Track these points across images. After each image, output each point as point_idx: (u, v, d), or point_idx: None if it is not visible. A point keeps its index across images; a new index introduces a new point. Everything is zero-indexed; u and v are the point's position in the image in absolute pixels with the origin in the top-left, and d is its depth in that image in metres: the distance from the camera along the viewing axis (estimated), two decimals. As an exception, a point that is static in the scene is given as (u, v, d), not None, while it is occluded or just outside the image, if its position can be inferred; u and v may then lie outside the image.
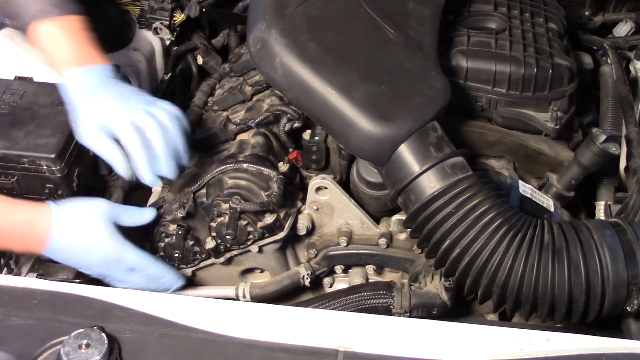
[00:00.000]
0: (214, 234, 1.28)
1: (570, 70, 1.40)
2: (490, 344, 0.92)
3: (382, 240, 1.32)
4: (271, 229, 1.30)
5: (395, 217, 1.33)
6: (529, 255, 1.06)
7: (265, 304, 0.99)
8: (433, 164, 1.10)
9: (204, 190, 1.30)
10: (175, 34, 1.84)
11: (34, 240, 1.12)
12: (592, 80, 1.72)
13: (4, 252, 1.25)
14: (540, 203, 1.32)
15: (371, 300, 1.26)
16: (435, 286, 1.26)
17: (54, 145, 1.20)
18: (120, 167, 1.14)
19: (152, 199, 1.44)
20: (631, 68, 1.75)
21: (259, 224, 1.28)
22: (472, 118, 1.41)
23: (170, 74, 1.81)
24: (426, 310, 1.25)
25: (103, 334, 0.87)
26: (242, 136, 1.43)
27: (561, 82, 1.39)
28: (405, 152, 1.12)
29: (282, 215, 1.30)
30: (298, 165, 1.41)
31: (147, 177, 1.15)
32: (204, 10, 1.74)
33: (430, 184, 1.10)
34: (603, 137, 1.33)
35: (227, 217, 1.25)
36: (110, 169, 1.40)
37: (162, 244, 1.30)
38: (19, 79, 1.37)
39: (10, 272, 1.29)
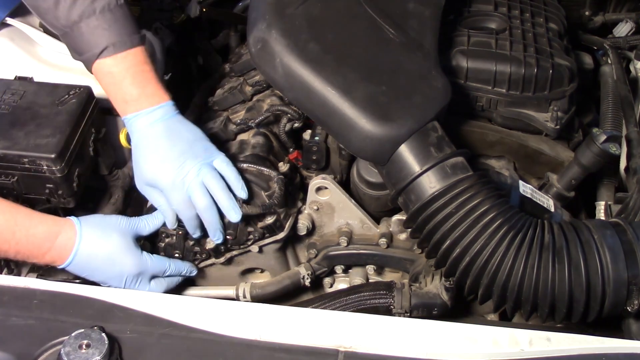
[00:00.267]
0: (214, 234, 1.28)
1: (571, 70, 1.40)
2: (491, 344, 0.92)
3: (383, 240, 1.32)
4: (271, 229, 1.30)
5: (396, 217, 1.33)
6: (530, 255, 1.06)
7: (265, 304, 0.99)
8: (433, 164, 1.10)
9: (204, 190, 1.30)
10: (175, 34, 1.84)
11: (53, 256, 1.14)
12: (592, 80, 1.72)
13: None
14: (541, 203, 1.32)
15: (371, 300, 1.26)
16: (435, 286, 1.26)
17: (54, 145, 1.20)
18: (169, 222, 1.24)
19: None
20: (631, 68, 1.75)
21: (259, 224, 1.28)
22: (473, 118, 1.41)
23: (170, 74, 1.80)
24: (426, 310, 1.25)
25: (103, 334, 0.87)
26: (242, 136, 1.43)
27: (561, 82, 1.39)
28: (405, 152, 1.12)
29: (282, 215, 1.30)
30: (298, 165, 1.41)
31: (216, 237, 1.24)
32: (204, 10, 1.74)
33: (430, 184, 1.10)
34: (603, 137, 1.33)
35: (227, 217, 1.25)
36: (110, 169, 1.41)
37: (162, 244, 1.30)
38: (19, 79, 1.37)
39: (10, 272, 1.29)
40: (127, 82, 1.19)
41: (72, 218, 1.17)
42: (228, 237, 1.26)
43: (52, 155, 1.19)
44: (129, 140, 1.26)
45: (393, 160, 1.13)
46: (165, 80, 1.77)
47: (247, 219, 1.26)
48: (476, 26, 1.48)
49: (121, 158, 1.47)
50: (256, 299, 1.34)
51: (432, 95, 1.16)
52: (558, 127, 1.38)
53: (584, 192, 1.48)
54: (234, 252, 1.34)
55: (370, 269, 1.40)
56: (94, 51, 1.18)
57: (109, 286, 1.17)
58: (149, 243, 1.28)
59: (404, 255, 1.35)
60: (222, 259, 1.34)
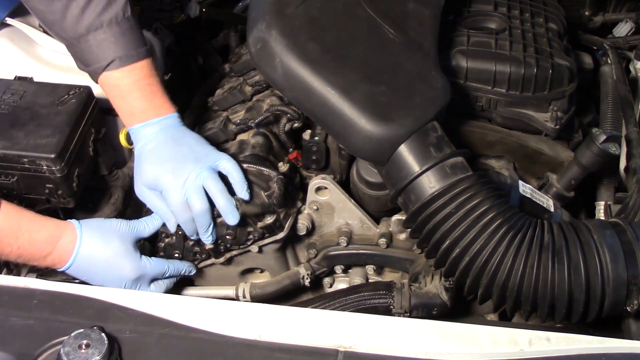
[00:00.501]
0: (214, 234, 1.28)
1: (570, 70, 1.40)
2: (490, 344, 0.92)
3: (382, 240, 1.32)
4: (271, 229, 1.30)
5: (395, 217, 1.33)
6: (529, 255, 1.06)
7: (265, 304, 0.99)
8: (433, 164, 1.10)
9: (204, 190, 1.30)
10: (175, 34, 1.84)
11: (54, 259, 1.15)
12: (592, 80, 1.72)
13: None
14: (540, 203, 1.32)
15: (371, 300, 1.26)
16: (435, 286, 1.26)
17: (54, 145, 1.20)
18: (169, 226, 1.24)
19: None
20: (631, 68, 1.75)
21: (259, 224, 1.28)
22: (472, 118, 1.41)
23: (170, 74, 1.80)
24: (426, 310, 1.25)
25: (103, 334, 0.87)
26: (242, 136, 1.43)
27: (561, 82, 1.39)
28: (405, 152, 1.12)
29: (282, 215, 1.30)
30: (298, 165, 1.41)
31: (208, 240, 1.24)
32: (204, 10, 1.74)
33: (430, 184, 1.10)
34: (603, 137, 1.33)
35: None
36: (110, 169, 1.41)
37: (162, 244, 1.29)
38: (19, 79, 1.37)
39: (10, 272, 1.29)
40: (134, 95, 1.20)
41: (73, 221, 1.18)
42: (228, 237, 1.26)
43: (52, 156, 1.19)
44: (129, 140, 1.26)
45: (393, 160, 1.13)
46: (167, 83, 1.78)
47: (246, 219, 1.26)
48: (476, 26, 1.48)
49: (121, 158, 1.47)
50: (256, 299, 1.34)
51: (432, 96, 1.16)
52: (558, 127, 1.38)
53: (584, 192, 1.48)
54: (234, 252, 1.34)
55: (370, 269, 1.40)
56: (101, 64, 1.19)
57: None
58: (148, 243, 1.29)
59: (404, 255, 1.35)
60: (221, 259, 1.34)
